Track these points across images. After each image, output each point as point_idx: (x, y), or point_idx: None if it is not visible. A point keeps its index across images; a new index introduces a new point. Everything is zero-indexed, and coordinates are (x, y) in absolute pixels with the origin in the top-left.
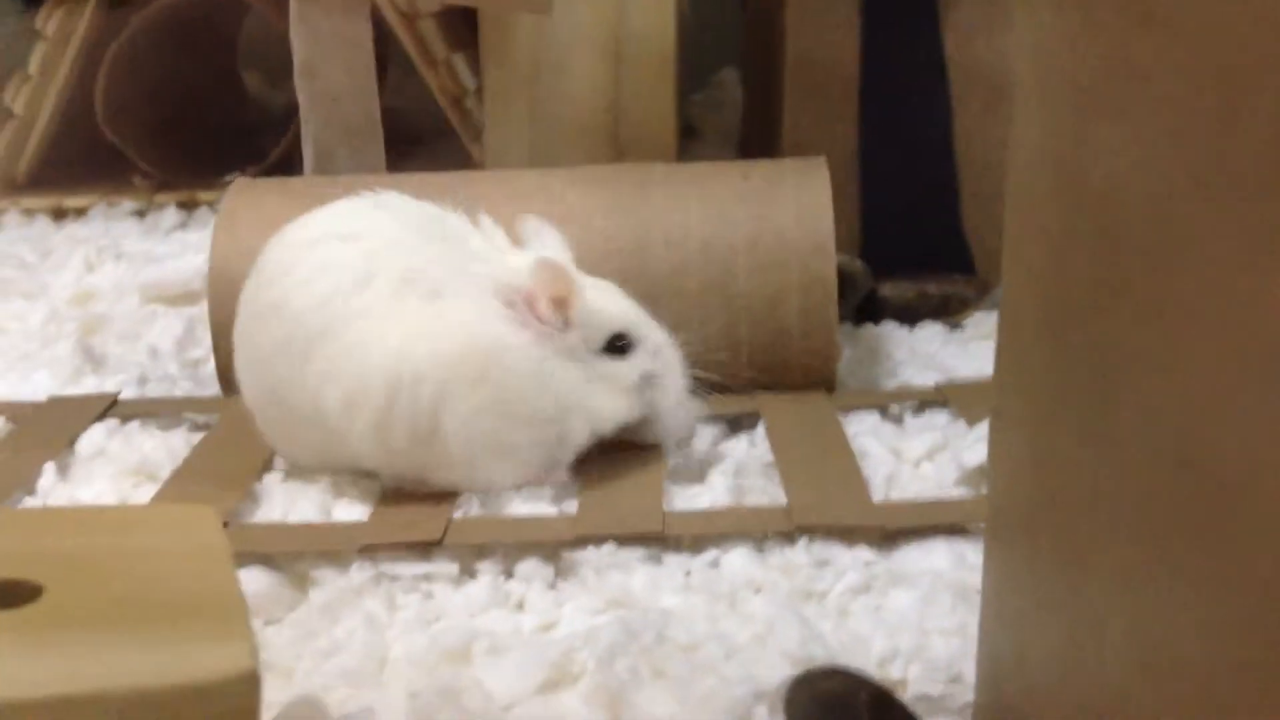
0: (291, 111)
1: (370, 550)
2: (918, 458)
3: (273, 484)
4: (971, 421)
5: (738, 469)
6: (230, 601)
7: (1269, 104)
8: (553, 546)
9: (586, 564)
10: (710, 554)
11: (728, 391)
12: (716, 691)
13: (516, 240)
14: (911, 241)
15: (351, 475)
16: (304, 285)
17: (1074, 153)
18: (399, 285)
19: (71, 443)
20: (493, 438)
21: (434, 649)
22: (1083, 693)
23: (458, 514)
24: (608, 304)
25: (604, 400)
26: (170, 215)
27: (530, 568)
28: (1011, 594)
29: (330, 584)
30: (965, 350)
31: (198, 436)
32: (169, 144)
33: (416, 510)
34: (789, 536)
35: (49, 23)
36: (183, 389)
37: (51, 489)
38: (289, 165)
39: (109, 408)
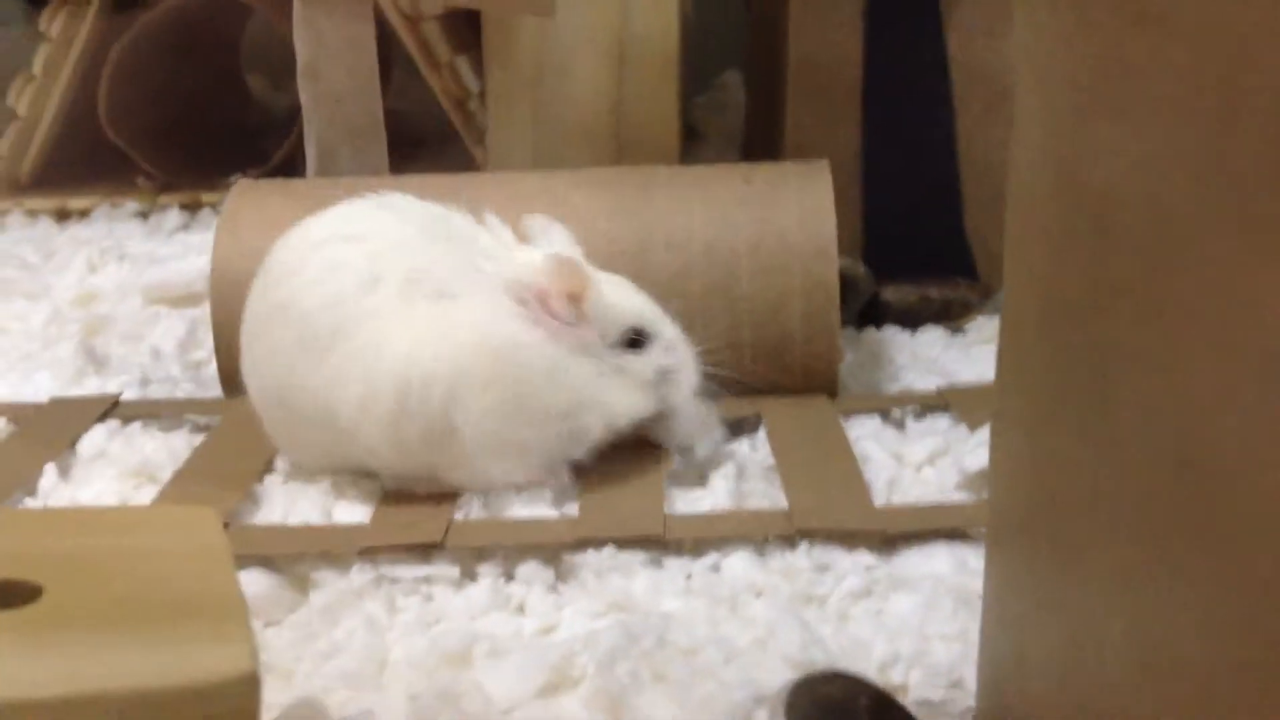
0: (294, 113)
1: (371, 552)
2: (919, 462)
3: (273, 485)
4: (973, 426)
5: (739, 472)
6: (230, 603)
7: (1267, 104)
8: (553, 549)
9: (587, 567)
10: (711, 557)
11: (736, 389)
12: (717, 695)
13: (523, 239)
14: (914, 245)
15: (352, 477)
16: (312, 286)
17: (1074, 153)
18: (406, 285)
19: (73, 444)
20: (508, 436)
21: (434, 651)
22: (1083, 693)
23: (458, 516)
24: (623, 298)
25: (620, 396)
26: (173, 217)
27: (531, 570)
28: (1012, 596)
29: (330, 586)
30: (967, 355)
31: (199, 438)
32: (172, 145)
33: (417, 512)
34: (790, 540)
35: (53, 24)
36: (184, 390)
37: (52, 490)
38: (292, 167)
39: (110, 409)
